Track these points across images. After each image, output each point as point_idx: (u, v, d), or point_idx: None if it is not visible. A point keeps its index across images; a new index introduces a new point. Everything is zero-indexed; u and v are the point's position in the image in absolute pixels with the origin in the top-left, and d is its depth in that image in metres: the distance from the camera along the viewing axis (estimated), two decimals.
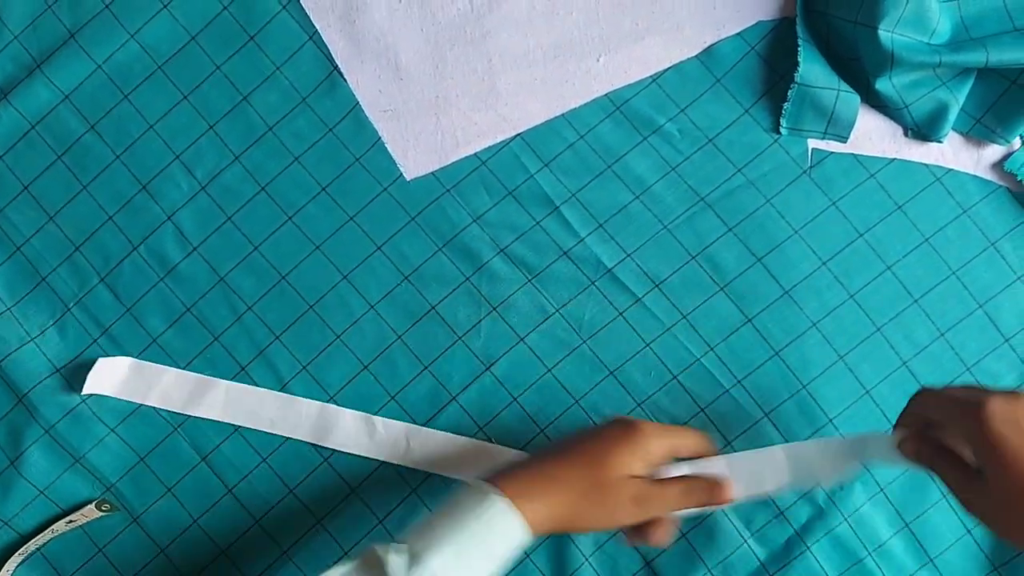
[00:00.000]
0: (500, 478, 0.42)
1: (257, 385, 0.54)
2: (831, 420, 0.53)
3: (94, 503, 0.53)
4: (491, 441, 0.53)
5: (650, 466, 0.45)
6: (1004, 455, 0.37)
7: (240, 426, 0.53)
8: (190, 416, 0.53)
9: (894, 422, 0.53)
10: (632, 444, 0.44)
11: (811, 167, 0.53)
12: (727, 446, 0.54)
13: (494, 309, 0.54)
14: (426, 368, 0.54)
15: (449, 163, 0.54)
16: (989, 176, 0.53)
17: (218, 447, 0.54)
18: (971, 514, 0.41)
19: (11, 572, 0.53)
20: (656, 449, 0.45)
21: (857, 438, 0.46)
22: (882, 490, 0.53)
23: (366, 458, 0.53)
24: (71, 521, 0.53)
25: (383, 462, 0.54)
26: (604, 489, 0.43)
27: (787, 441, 0.53)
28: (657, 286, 0.53)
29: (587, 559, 0.53)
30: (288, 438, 0.54)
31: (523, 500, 0.41)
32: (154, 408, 0.54)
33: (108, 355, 0.54)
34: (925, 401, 0.43)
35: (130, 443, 0.54)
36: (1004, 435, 0.37)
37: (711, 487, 0.45)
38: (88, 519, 0.54)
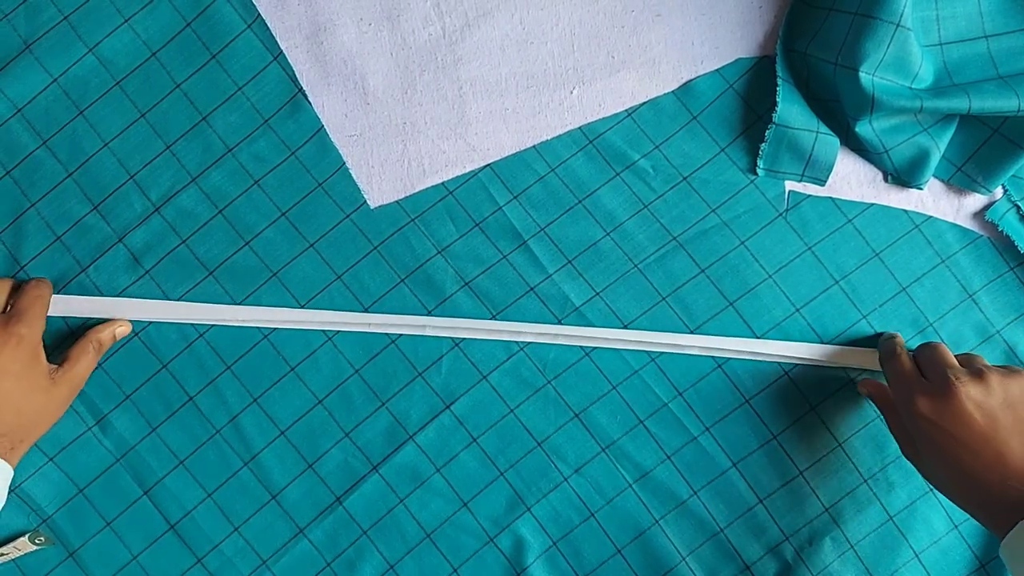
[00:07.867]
0: None
1: (205, 418, 0.51)
2: (801, 472, 0.51)
3: (28, 535, 0.51)
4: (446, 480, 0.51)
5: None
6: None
7: (185, 459, 0.51)
8: (133, 447, 0.51)
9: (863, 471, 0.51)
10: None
11: (787, 210, 0.51)
12: (692, 496, 0.52)
13: (456, 345, 0.52)
14: (383, 404, 0.52)
15: (415, 192, 0.52)
16: (970, 225, 0.51)
17: (161, 480, 0.51)
18: (905, 455, 0.48)
19: None
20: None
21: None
22: (852, 547, 0.51)
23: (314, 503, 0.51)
24: (3, 554, 0.50)
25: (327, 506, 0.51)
26: None
27: (755, 493, 0.51)
28: (626, 327, 0.51)
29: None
30: (234, 475, 0.51)
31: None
32: (95, 438, 0.51)
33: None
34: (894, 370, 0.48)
35: (69, 473, 0.51)
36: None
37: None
38: (22, 552, 0.51)
